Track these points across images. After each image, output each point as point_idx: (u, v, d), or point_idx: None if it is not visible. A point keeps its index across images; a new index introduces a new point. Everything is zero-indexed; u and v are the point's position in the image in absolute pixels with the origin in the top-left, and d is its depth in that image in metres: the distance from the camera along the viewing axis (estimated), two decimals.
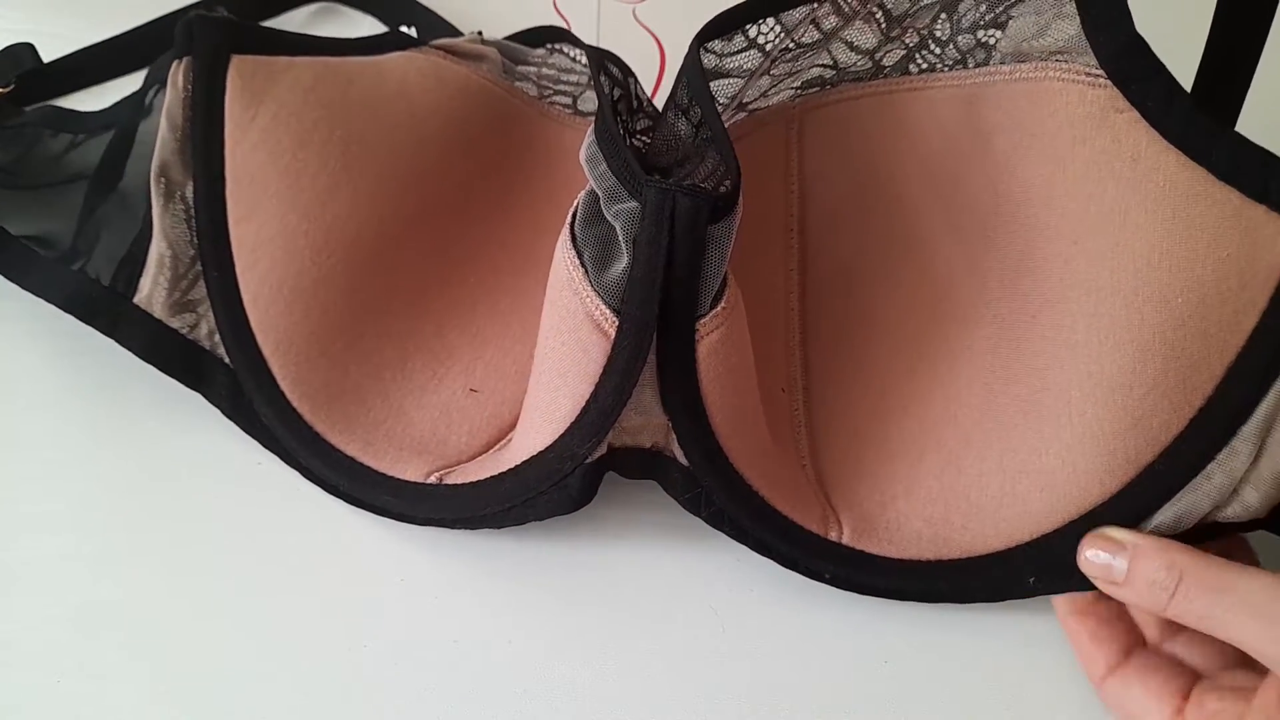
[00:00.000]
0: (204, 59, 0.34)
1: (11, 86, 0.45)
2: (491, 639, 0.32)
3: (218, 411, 0.36)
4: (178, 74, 0.34)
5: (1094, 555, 0.30)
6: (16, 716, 0.31)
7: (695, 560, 0.34)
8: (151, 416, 0.37)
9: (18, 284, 0.37)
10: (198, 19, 0.34)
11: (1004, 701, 0.32)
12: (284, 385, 0.34)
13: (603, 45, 0.49)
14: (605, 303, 0.28)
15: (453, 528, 0.34)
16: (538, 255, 0.38)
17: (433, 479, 0.33)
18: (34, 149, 0.40)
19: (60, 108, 0.43)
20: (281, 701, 0.31)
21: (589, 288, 0.29)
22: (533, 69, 0.42)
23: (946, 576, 0.32)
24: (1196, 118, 0.28)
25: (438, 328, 0.37)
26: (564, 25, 0.51)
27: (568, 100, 0.43)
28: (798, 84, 0.38)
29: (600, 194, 0.29)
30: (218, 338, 0.35)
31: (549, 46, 0.43)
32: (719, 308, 0.29)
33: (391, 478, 0.34)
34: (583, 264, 0.29)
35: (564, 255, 0.29)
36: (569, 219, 0.30)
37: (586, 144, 0.31)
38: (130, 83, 0.49)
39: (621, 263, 0.28)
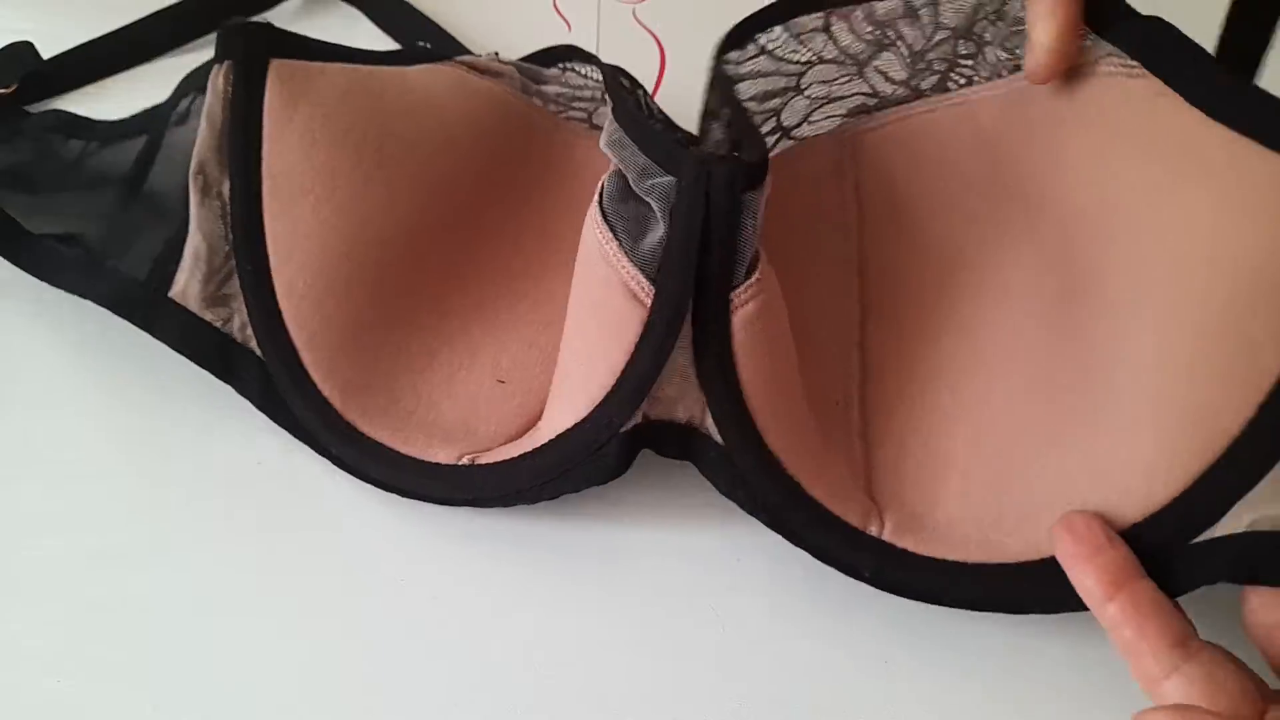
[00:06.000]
0: (245, 62, 0.35)
1: (14, 87, 0.45)
2: (491, 639, 0.32)
3: (216, 411, 0.36)
4: (218, 77, 0.35)
5: None
6: (16, 716, 0.31)
7: (695, 560, 0.34)
8: (150, 417, 0.37)
9: (50, 283, 0.37)
10: (239, 25, 0.36)
11: (1004, 702, 0.32)
12: (315, 377, 0.34)
13: (602, 45, 0.49)
14: (642, 272, 0.29)
15: (487, 506, 0.34)
16: (551, 261, 0.39)
17: (464, 461, 0.34)
18: (46, 154, 0.41)
19: (67, 113, 0.44)
20: (281, 701, 0.31)
21: (624, 258, 0.29)
22: (550, 88, 0.43)
23: (997, 580, 0.30)
24: (1238, 91, 0.28)
25: (463, 324, 0.37)
26: (564, 25, 0.51)
27: (583, 115, 0.44)
28: (842, 111, 0.39)
29: (630, 174, 0.30)
30: (249, 331, 0.35)
31: (561, 66, 0.44)
32: (753, 279, 0.30)
33: (424, 461, 0.34)
34: (616, 237, 0.30)
35: (594, 232, 0.30)
36: (596, 198, 0.31)
37: (608, 131, 0.32)
38: (128, 79, 0.49)
39: (657, 233, 0.29)
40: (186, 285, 0.35)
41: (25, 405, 0.37)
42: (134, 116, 0.41)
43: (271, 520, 0.35)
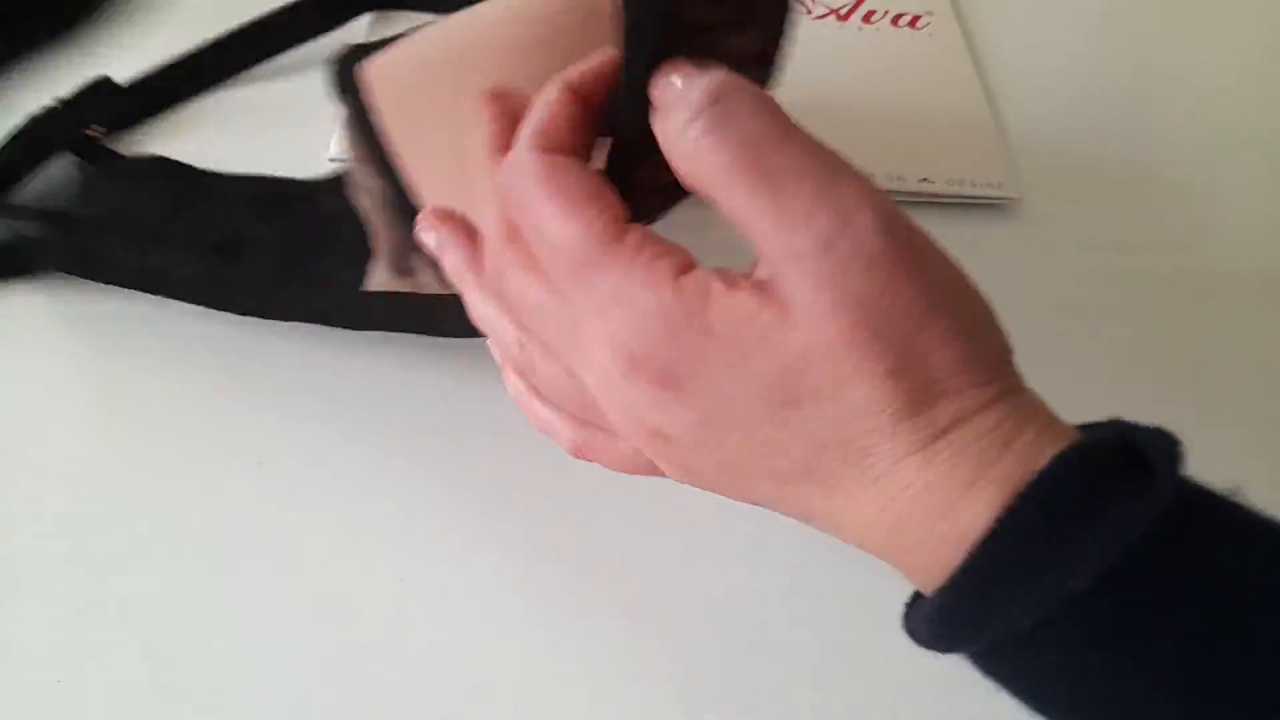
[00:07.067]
0: (344, 80, 0.40)
1: (104, 130, 0.45)
2: (491, 640, 0.32)
3: (218, 413, 0.37)
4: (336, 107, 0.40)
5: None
6: (16, 716, 0.31)
7: (694, 559, 0.34)
8: (151, 417, 0.37)
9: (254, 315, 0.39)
10: (334, 60, 0.40)
11: (1005, 702, 0.32)
12: None
13: None
14: None
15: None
16: None
17: None
18: (149, 197, 0.43)
19: (164, 158, 0.44)
20: (281, 702, 0.31)
21: None
22: None
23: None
24: None
25: None
26: None
27: None
28: None
29: None
30: (436, 284, 0.38)
31: None
32: None
33: None
34: None
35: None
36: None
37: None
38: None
39: None
40: (378, 274, 0.38)
41: (25, 406, 0.38)
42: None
43: (271, 521, 0.35)
